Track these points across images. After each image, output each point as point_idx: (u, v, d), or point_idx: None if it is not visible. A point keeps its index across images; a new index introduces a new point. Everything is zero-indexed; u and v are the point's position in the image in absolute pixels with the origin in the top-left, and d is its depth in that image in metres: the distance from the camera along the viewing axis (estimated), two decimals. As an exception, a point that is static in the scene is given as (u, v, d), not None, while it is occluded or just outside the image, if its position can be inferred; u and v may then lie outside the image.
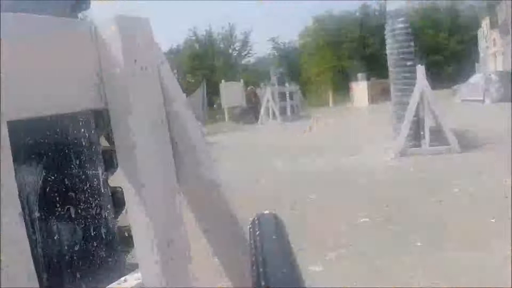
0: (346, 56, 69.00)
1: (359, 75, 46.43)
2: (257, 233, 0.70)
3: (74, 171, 1.62)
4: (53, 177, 1.61)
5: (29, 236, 1.64)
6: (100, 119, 1.60)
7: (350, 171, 10.21)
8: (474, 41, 70.89)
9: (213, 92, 46.41)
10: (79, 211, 1.64)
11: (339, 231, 6.28)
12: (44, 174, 1.60)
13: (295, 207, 7.53)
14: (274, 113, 27.24)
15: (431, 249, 5.32)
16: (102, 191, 1.63)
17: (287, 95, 29.36)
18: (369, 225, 6.41)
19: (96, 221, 1.64)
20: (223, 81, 35.12)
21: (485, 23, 66.64)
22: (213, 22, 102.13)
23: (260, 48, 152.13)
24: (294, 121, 27.53)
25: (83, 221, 1.64)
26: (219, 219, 1.41)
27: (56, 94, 1.13)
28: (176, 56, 70.09)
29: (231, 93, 33.90)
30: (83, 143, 1.61)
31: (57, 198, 1.63)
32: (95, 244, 1.65)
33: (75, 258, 1.65)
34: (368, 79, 45.23)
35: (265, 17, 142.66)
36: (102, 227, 1.64)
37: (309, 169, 10.92)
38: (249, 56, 73.54)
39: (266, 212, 0.76)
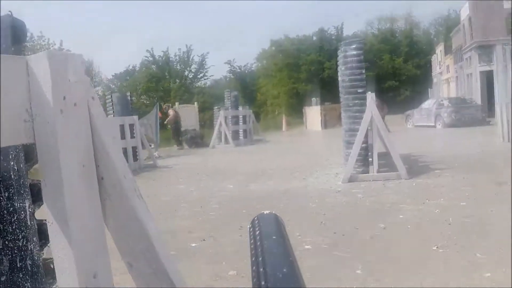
0: (303, 79, 69.48)
1: (313, 99, 46.72)
2: (257, 233, 0.72)
3: (1, 203, 1.63)
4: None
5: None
6: (30, 152, 1.62)
7: (299, 196, 10.26)
8: (429, 66, 72.50)
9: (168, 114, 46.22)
10: (6, 242, 1.64)
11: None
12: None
13: (242, 232, 7.53)
14: (226, 137, 27.08)
15: (370, 277, 5.35)
16: (29, 223, 1.64)
17: (240, 118, 29.30)
18: (314, 252, 6.44)
19: (22, 253, 1.65)
20: (176, 103, 34.95)
21: (439, 49, 68.21)
22: (170, 44, 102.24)
23: (217, 71, 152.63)
24: (246, 145, 27.48)
25: (9, 253, 1.64)
26: (143, 254, 1.43)
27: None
28: (132, 77, 69.79)
29: (185, 115, 33.74)
30: (12, 176, 1.62)
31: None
32: (20, 276, 1.65)
33: (0, 289, 1.66)
34: (322, 103, 45.54)
35: (222, 39, 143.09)
36: (27, 259, 1.65)
37: (258, 194, 10.93)
38: (205, 79, 73.46)
39: (266, 212, 0.77)
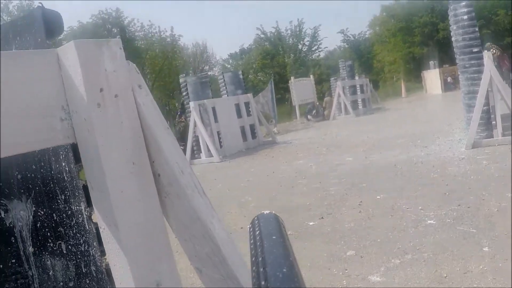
0: (417, 43, 67.56)
1: (431, 62, 45.56)
2: (257, 233, 0.71)
3: (58, 206, 1.55)
4: (41, 213, 1.54)
5: (20, 271, 1.58)
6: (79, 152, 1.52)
7: (420, 165, 9.88)
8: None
9: (285, 89, 46.48)
10: (69, 247, 1.57)
11: (405, 233, 6.00)
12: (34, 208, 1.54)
13: (362, 207, 7.34)
14: (346, 108, 26.91)
15: (498, 255, 4.86)
16: (87, 227, 1.55)
17: (358, 88, 28.96)
18: (437, 227, 6.07)
19: (85, 258, 1.57)
20: (292, 78, 34.95)
21: (558, 0, 64.29)
22: (280, 20, 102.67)
23: (330, 42, 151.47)
24: (366, 114, 27.15)
25: (73, 258, 1.57)
26: (209, 259, 1.29)
27: (21, 132, 1.05)
28: (247, 55, 70.67)
29: (302, 89, 33.70)
30: (64, 177, 1.53)
31: (45, 234, 1.56)
32: (87, 281, 1.58)
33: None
34: (440, 66, 44.29)
35: (333, 10, 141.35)
36: (91, 264, 1.56)
37: (378, 165, 10.65)
38: (319, 51, 73.05)
39: (266, 212, 0.77)
